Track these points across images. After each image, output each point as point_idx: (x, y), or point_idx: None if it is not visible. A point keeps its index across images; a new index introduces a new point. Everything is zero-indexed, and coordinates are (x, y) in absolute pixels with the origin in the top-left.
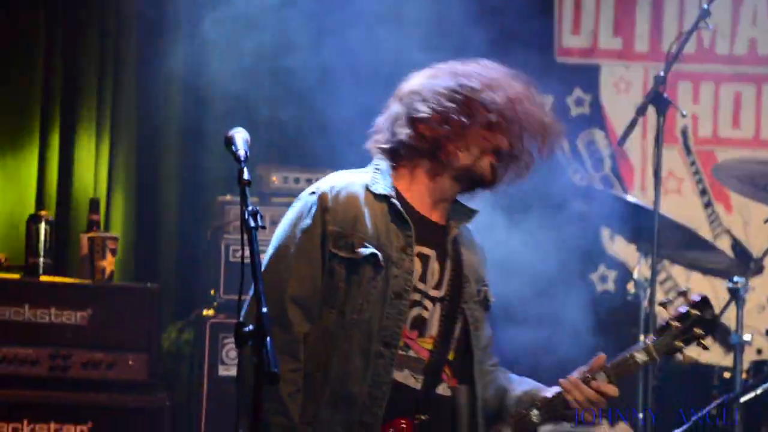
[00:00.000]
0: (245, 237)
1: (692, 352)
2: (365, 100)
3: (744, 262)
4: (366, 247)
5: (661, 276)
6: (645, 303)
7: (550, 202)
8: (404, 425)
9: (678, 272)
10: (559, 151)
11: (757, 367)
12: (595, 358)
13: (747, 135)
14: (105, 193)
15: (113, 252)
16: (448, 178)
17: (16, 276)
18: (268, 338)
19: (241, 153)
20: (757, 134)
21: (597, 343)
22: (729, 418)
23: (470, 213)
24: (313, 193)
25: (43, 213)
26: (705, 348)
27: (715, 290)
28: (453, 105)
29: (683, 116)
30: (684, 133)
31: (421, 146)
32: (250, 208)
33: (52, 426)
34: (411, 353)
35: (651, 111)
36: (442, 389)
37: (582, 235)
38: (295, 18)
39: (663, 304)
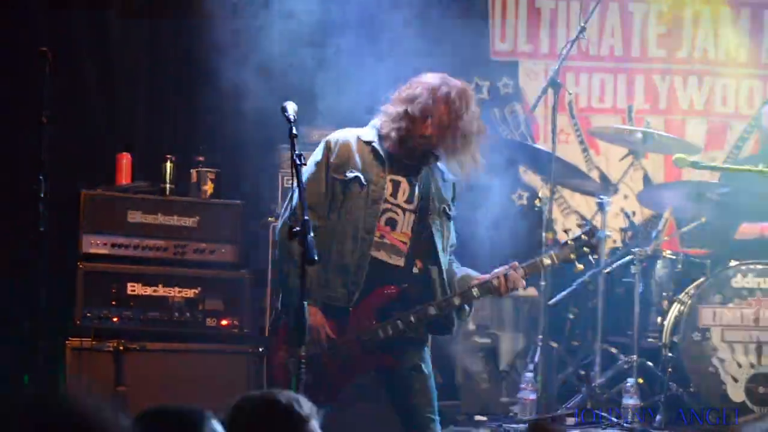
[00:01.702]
0: (294, 170)
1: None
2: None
3: (606, 186)
4: (353, 172)
5: (556, 196)
6: (546, 213)
7: (491, 149)
8: (392, 290)
9: (567, 193)
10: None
11: (613, 252)
12: (512, 263)
13: (608, 106)
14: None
15: (212, 180)
16: (411, 141)
17: (153, 195)
18: (308, 236)
19: (291, 117)
20: (614, 105)
21: (517, 236)
22: (593, 285)
23: (434, 160)
24: (324, 141)
25: (169, 156)
26: (595, 260)
27: (589, 204)
28: (412, 107)
29: (569, 94)
30: (570, 104)
31: (399, 124)
32: (296, 152)
33: (176, 289)
34: (386, 241)
35: (550, 91)
36: (417, 269)
37: (508, 169)
38: None
39: (566, 231)
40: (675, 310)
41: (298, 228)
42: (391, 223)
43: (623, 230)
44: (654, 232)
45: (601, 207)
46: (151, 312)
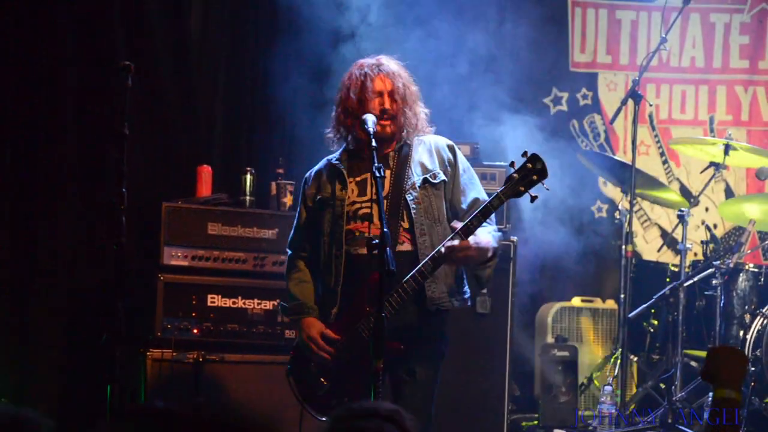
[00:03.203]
0: (373, 182)
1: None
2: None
3: (687, 198)
4: (319, 196)
5: (636, 208)
6: (625, 226)
7: (569, 161)
8: (376, 276)
9: (646, 205)
10: (572, 129)
11: (695, 265)
12: (453, 224)
13: (689, 117)
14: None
15: (291, 192)
16: (344, 135)
17: (233, 208)
18: (388, 249)
19: (371, 129)
20: (695, 117)
21: (596, 249)
22: (674, 298)
23: (390, 138)
24: (305, 176)
25: (248, 169)
26: (546, 188)
27: (669, 216)
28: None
29: (650, 105)
30: (650, 116)
31: (335, 128)
32: (376, 164)
33: (255, 301)
34: (366, 235)
35: (630, 103)
36: (404, 247)
37: (587, 181)
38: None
39: (511, 164)
40: (758, 323)
41: (376, 240)
42: (368, 218)
43: (704, 243)
44: (736, 245)
45: (681, 219)
46: (231, 324)
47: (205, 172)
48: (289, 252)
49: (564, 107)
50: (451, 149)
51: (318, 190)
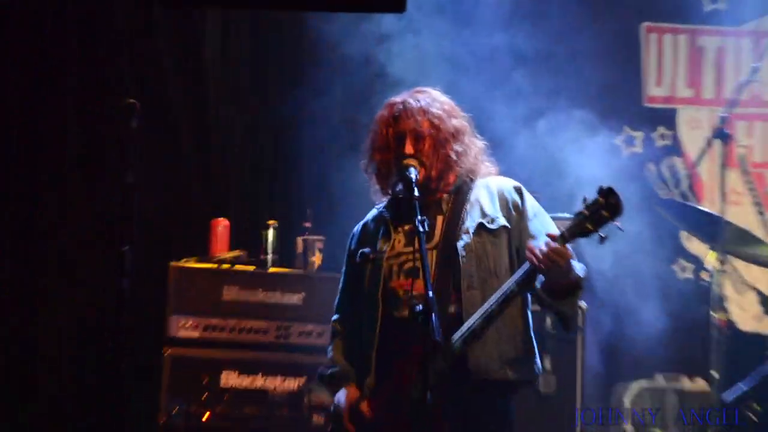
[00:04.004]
0: (417, 238)
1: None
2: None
3: None
4: (362, 251)
5: (727, 267)
6: (715, 288)
7: (645, 213)
8: (418, 351)
9: (741, 265)
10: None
11: None
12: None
13: None
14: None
15: (320, 250)
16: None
17: (252, 268)
18: (433, 315)
19: (413, 177)
20: None
21: (679, 316)
22: None
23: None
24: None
25: (270, 222)
26: (620, 229)
27: None
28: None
29: (741, 147)
30: (742, 159)
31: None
32: (419, 217)
33: (278, 378)
34: (411, 294)
35: (716, 143)
36: (452, 308)
37: (667, 235)
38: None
39: (583, 201)
40: None
41: (420, 307)
42: (414, 273)
43: None
44: None
45: None
46: (249, 407)
47: (221, 226)
48: (334, 317)
49: (638, 149)
50: (518, 191)
51: (361, 244)
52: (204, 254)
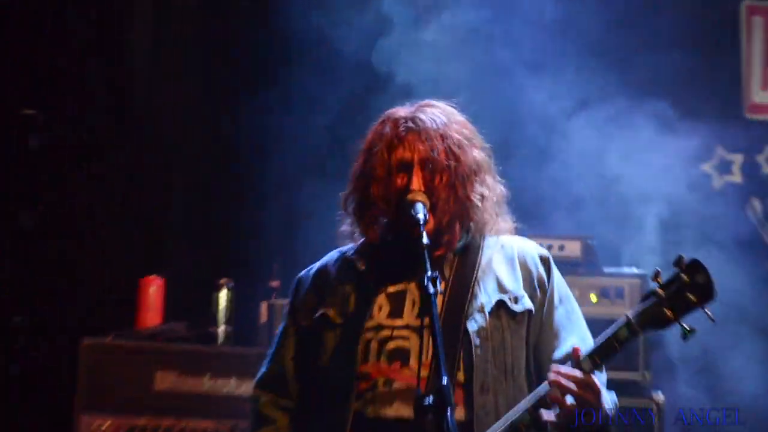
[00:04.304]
0: (424, 302)
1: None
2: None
3: None
4: (323, 313)
5: None
6: None
7: (748, 264)
8: None
9: None
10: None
11: None
12: (570, 351)
13: None
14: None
15: None
16: (368, 223)
17: (197, 346)
18: (449, 410)
19: (421, 217)
20: None
21: None
22: None
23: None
24: (296, 278)
25: (222, 281)
26: (711, 319)
27: None
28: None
29: None
30: None
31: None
32: (429, 273)
33: None
34: (396, 386)
35: None
36: (461, 414)
37: None
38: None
39: (655, 276)
40: None
41: (430, 399)
42: (400, 356)
43: None
44: None
45: None
46: None
47: (153, 286)
48: (257, 395)
49: (736, 177)
50: (545, 263)
51: (320, 301)
52: (129, 327)
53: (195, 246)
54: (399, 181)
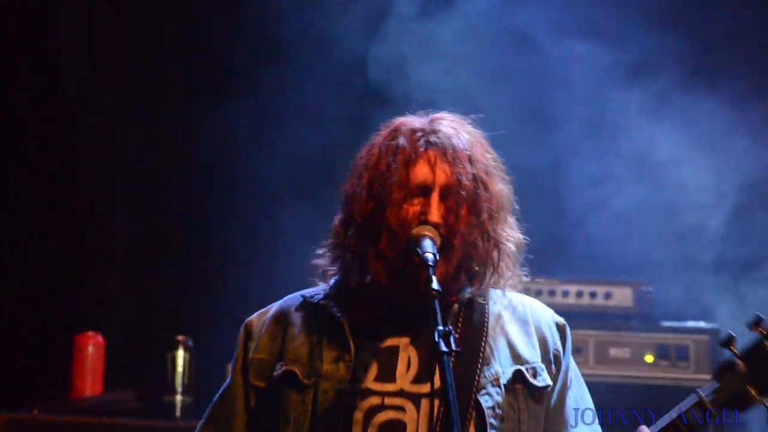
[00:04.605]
0: (435, 362)
1: None
2: None
3: None
4: (285, 370)
5: None
6: None
7: None
8: None
9: None
10: None
11: None
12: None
13: None
14: None
15: None
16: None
17: (149, 421)
18: None
19: (430, 257)
20: None
21: None
22: None
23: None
24: (243, 324)
25: (180, 338)
26: None
27: None
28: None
29: None
30: None
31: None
32: (441, 327)
33: None
34: None
35: None
36: None
37: None
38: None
39: (727, 341)
40: None
41: None
42: (394, 431)
43: None
44: None
45: None
46: None
47: (92, 346)
48: None
49: None
50: (562, 333)
51: (279, 355)
52: (61, 396)
53: (142, 295)
54: (412, 208)
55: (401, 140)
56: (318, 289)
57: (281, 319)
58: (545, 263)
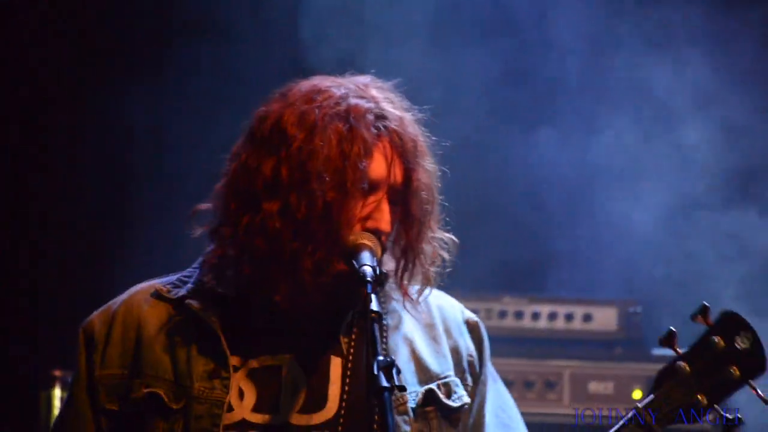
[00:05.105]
0: (373, 401)
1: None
2: None
3: None
4: (150, 392)
5: None
6: None
7: None
8: None
9: None
10: None
11: None
12: None
13: None
14: None
15: None
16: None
17: None
18: None
19: (368, 274)
20: None
21: None
22: None
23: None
24: (81, 328)
25: (57, 373)
26: (764, 401)
27: None
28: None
29: None
30: None
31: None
32: (380, 358)
33: None
34: None
35: None
36: None
37: None
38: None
39: (701, 312)
40: None
41: None
42: None
43: None
44: None
45: None
46: None
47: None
48: None
49: None
50: (474, 332)
51: (134, 369)
52: None
53: (8, 320)
54: (362, 209)
55: (353, 121)
56: (174, 279)
57: (130, 319)
58: (511, 278)
